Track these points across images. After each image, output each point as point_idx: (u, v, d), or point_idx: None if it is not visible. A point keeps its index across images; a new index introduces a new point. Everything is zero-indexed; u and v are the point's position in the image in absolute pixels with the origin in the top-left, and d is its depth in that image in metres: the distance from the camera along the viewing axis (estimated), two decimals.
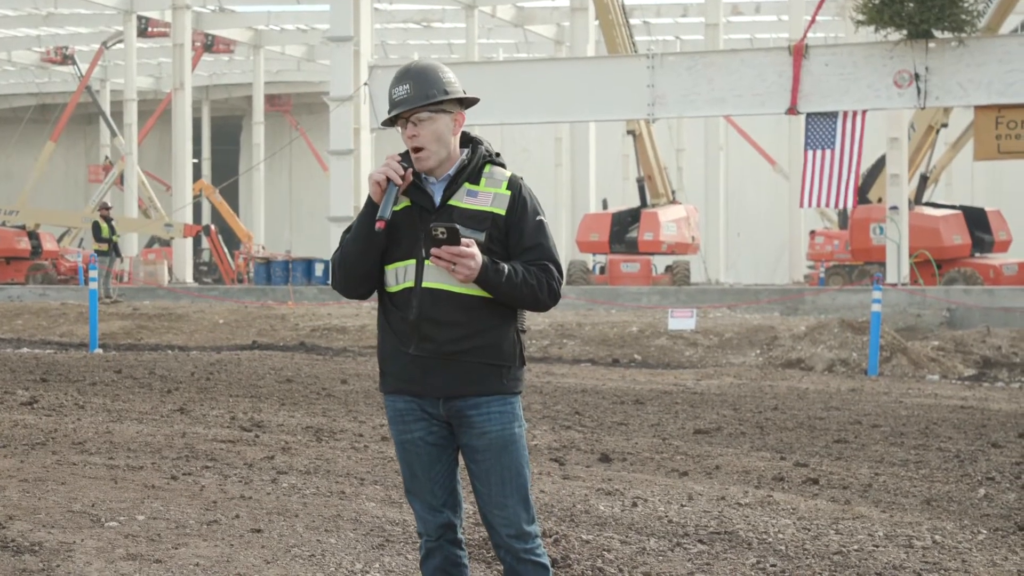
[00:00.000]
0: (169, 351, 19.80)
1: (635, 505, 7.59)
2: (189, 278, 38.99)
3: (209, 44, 49.39)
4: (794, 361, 18.66)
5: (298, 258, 39.42)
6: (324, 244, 35.97)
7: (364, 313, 23.96)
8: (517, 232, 4.31)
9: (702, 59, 28.73)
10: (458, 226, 4.16)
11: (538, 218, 4.34)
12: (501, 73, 31.62)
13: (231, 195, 51.48)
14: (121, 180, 45.17)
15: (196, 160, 49.17)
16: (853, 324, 19.39)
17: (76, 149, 61.95)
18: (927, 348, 19.10)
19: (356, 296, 4.41)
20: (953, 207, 32.08)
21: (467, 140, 4.43)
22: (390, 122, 4.37)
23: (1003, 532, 7.29)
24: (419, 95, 4.30)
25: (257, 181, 52.02)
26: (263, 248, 49.22)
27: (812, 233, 38.34)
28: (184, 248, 39.28)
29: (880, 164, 32.35)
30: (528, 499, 4.38)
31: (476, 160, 4.37)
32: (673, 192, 35.67)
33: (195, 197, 44.88)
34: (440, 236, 4.14)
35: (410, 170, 4.31)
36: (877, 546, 6.78)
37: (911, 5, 25.69)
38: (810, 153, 27.16)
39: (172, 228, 39.18)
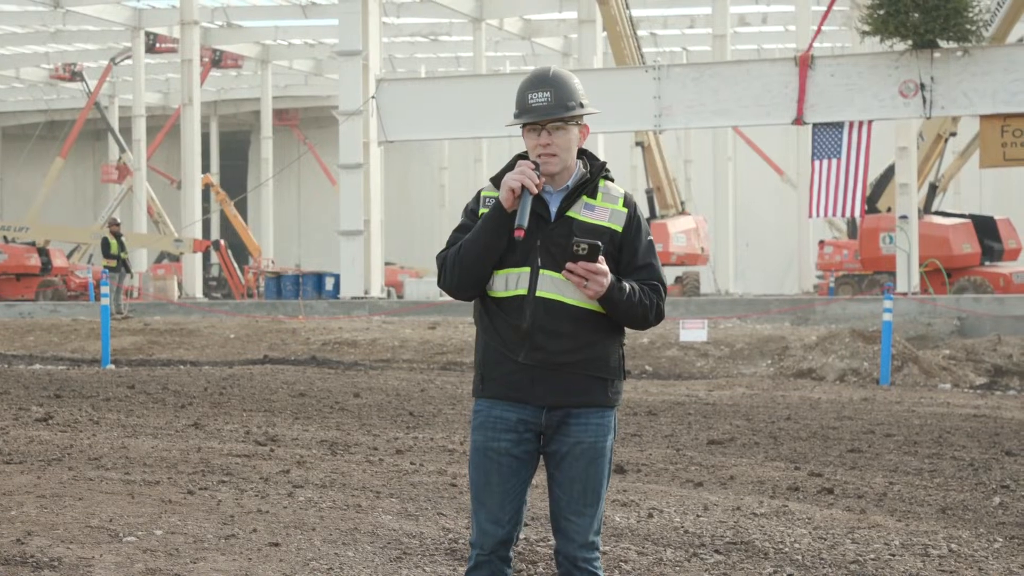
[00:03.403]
0: (181, 366, 19.83)
1: (651, 516, 7.60)
2: (199, 293, 39.05)
3: (217, 59, 49.59)
4: (805, 371, 18.66)
5: (308, 272, 39.48)
6: (333, 258, 36.04)
7: (375, 327, 23.99)
8: (631, 250, 4.31)
9: (708, 70, 28.77)
10: (600, 243, 4.14)
11: (649, 238, 4.35)
12: (509, 85, 31.52)
13: (239, 210, 51.64)
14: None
15: (205, 175, 49.29)
16: (864, 334, 19.39)
17: (85, 165, 62.14)
18: (938, 357, 19.10)
19: (464, 297, 4.36)
20: (962, 216, 32.12)
21: (579, 152, 4.40)
22: (519, 123, 4.32)
23: (1019, 540, 7.29)
24: (559, 105, 4.27)
25: (266, 195, 52.14)
26: (273, 262, 49.30)
27: (821, 243, 38.38)
28: (194, 263, 39.33)
29: (889, 173, 32.38)
30: (601, 512, 4.39)
31: (596, 174, 4.36)
32: (682, 203, 35.76)
33: (205, 191, 44.86)
34: (580, 252, 4.11)
35: (543, 179, 4.27)
36: (894, 555, 6.79)
37: (916, 15, 25.72)
38: (817, 163, 27.19)
39: (182, 243, 39.24)
